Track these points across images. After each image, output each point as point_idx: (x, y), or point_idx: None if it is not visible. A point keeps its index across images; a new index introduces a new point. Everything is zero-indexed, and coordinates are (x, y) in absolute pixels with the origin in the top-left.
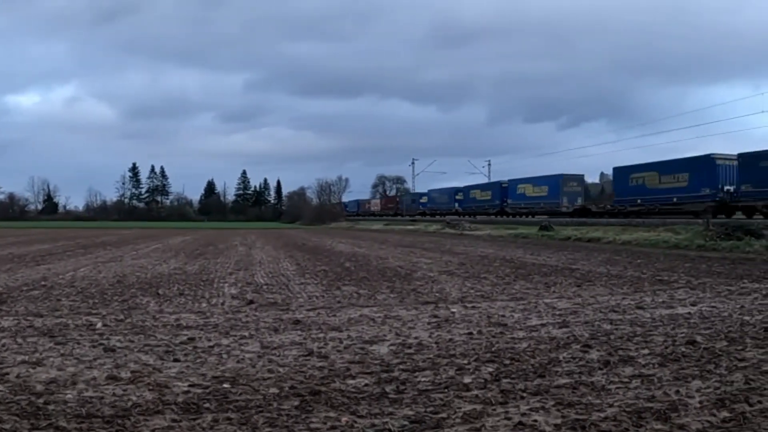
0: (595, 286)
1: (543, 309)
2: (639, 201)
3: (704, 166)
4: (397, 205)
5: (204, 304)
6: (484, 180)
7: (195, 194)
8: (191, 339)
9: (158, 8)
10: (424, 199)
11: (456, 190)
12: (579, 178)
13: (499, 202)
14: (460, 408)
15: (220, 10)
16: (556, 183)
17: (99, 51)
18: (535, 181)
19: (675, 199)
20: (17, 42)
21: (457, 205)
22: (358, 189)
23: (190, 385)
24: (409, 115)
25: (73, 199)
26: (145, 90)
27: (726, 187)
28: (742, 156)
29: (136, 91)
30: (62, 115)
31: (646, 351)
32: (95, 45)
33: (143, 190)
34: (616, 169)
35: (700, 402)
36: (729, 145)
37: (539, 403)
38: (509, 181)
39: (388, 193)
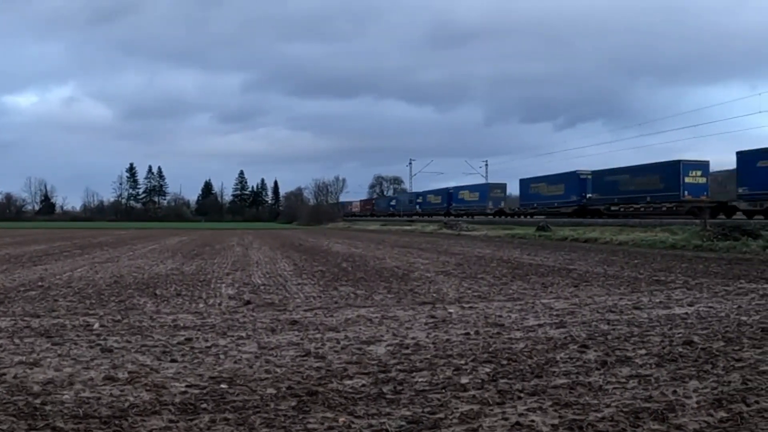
0: (592, 286)
1: (540, 309)
2: (535, 205)
3: (573, 179)
4: (372, 207)
5: (201, 305)
6: (481, 180)
7: (192, 195)
8: (188, 339)
9: (155, 9)
10: (393, 202)
11: (417, 195)
12: (502, 186)
13: (446, 205)
14: (457, 408)
15: (217, 11)
16: (485, 190)
17: (96, 51)
18: (470, 188)
19: (556, 204)
20: (15, 42)
21: (418, 207)
22: (356, 189)
23: (187, 386)
24: (406, 116)
25: (70, 200)
26: (143, 90)
27: (588, 195)
28: (594, 172)
29: (133, 92)
30: (59, 116)
31: (643, 351)
32: (92, 45)
33: (140, 191)
34: (521, 180)
35: (698, 402)
36: (726, 146)
37: (536, 404)
38: (453, 188)
39: (385, 193)
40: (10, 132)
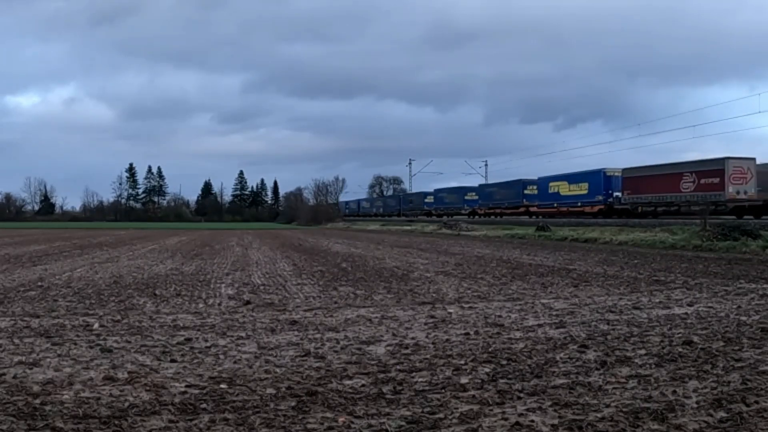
0: (592, 286)
1: (540, 309)
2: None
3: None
4: (335, 209)
5: (201, 305)
6: (481, 180)
7: (192, 195)
8: (188, 339)
9: (156, 10)
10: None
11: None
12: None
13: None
14: (457, 408)
15: (218, 12)
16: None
17: (97, 52)
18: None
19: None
20: (16, 43)
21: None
22: (355, 189)
23: (186, 386)
24: (406, 116)
25: (70, 200)
26: (143, 91)
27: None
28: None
29: (133, 92)
30: (60, 116)
31: (642, 351)
32: (93, 46)
33: (140, 191)
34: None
35: (697, 402)
36: (725, 146)
37: (536, 404)
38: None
39: (384, 193)
40: (11, 132)
